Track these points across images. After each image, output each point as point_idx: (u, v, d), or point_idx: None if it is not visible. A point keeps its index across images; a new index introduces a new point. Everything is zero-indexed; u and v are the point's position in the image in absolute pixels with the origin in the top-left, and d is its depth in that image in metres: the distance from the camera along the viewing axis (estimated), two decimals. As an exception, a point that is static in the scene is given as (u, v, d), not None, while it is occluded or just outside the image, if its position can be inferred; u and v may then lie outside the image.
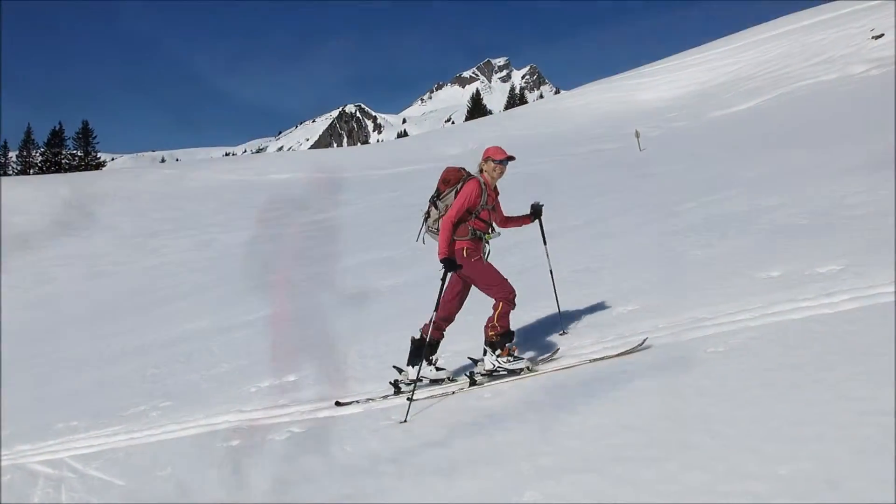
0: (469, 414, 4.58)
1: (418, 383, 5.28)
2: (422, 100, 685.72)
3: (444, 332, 5.58)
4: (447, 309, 5.45)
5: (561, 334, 5.89)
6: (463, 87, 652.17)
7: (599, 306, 6.33)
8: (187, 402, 6.91)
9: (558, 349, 5.52)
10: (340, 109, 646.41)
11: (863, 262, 5.38)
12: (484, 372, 5.27)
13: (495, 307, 5.21)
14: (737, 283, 5.79)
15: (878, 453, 2.82)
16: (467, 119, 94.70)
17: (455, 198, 5.26)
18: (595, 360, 4.96)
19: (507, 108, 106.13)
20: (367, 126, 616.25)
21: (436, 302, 5.32)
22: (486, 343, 5.28)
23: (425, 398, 5.23)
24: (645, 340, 4.97)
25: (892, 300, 4.51)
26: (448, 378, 5.54)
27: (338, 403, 5.62)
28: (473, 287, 5.43)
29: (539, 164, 26.59)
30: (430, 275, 10.58)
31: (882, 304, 4.51)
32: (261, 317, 10.76)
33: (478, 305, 5.56)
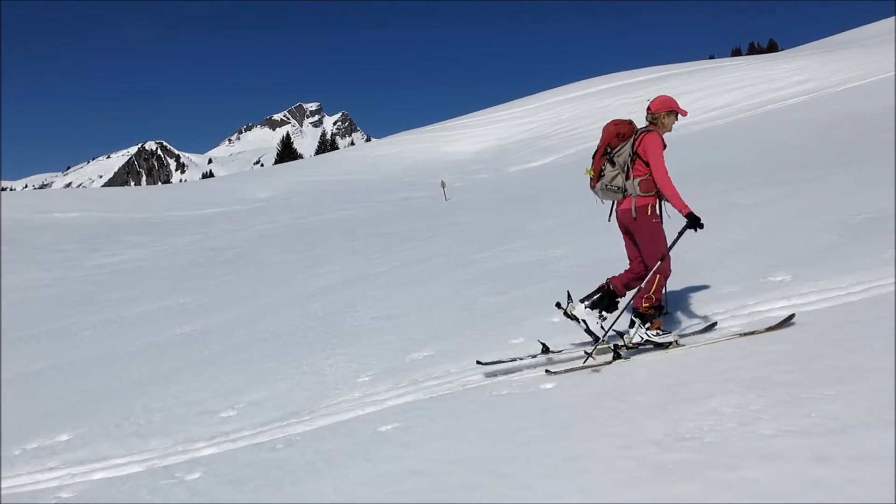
0: (258, 467, 4.42)
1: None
2: (230, 140, 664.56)
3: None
4: (639, 268, 5.20)
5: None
6: (273, 130, 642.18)
7: (395, 353, 6.42)
8: (-67, 471, 6.01)
9: (714, 323, 5.29)
10: (140, 146, 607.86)
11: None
12: (631, 345, 5.05)
13: (651, 279, 5.00)
14: (525, 328, 6.16)
15: (634, 484, 3.11)
16: (277, 162, 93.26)
17: (633, 150, 5.08)
18: (744, 333, 4.81)
19: (318, 152, 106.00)
20: (169, 165, 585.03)
21: (669, 248, 5.03)
22: (634, 315, 5.09)
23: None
24: (793, 315, 4.88)
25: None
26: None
27: (479, 363, 5.24)
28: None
29: (348, 209, 26.75)
30: (228, 322, 10.16)
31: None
32: (33, 371, 9.69)
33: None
